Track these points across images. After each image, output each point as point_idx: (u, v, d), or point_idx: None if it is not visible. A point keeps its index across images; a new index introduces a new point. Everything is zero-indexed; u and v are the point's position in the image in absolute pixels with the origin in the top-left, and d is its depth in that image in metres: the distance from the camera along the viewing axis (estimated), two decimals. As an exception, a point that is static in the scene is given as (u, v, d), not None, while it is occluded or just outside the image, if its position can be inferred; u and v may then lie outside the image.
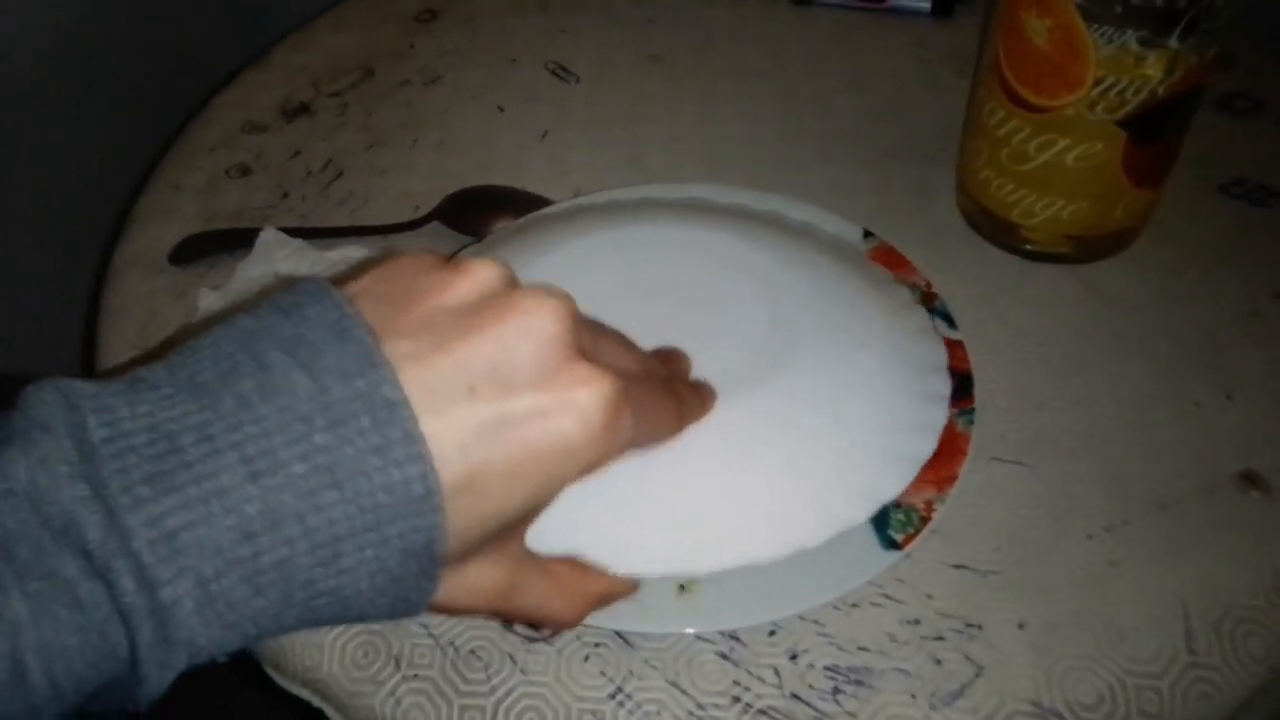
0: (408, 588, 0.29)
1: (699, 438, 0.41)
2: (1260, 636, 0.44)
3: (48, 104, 0.78)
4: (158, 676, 0.26)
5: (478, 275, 0.31)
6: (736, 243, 0.50)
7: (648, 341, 0.41)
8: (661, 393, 0.38)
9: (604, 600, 0.39)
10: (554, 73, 0.75)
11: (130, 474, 0.25)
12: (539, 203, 0.63)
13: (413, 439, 0.27)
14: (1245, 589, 0.45)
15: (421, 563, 0.28)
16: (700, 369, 0.43)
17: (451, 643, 0.45)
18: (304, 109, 0.73)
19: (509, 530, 0.32)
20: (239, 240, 0.61)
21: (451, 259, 0.32)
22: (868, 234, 0.56)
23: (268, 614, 0.27)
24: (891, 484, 0.43)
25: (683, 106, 0.71)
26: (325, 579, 0.27)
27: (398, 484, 0.27)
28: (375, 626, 0.45)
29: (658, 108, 0.71)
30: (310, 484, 0.26)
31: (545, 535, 0.35)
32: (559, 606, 0.37)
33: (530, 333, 0.30)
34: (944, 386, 0.47)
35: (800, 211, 0.57)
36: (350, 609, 0.29)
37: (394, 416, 0.27)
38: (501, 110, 0.72)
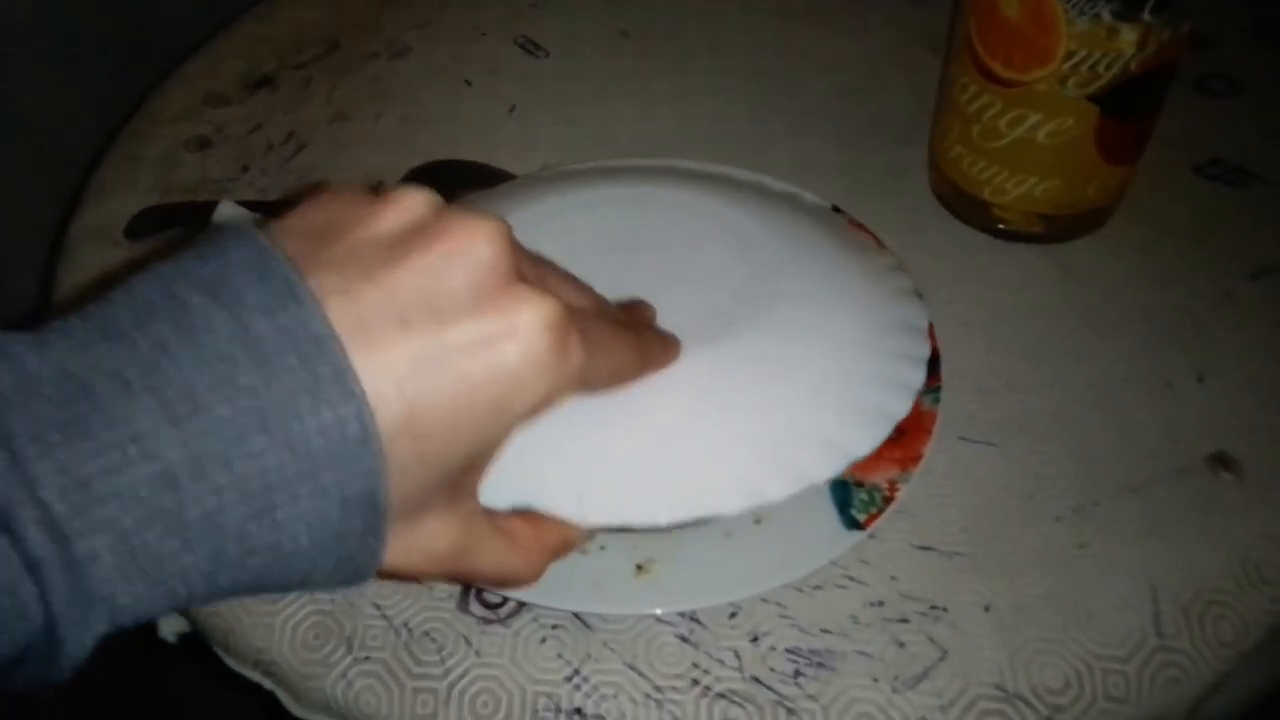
0: (352, 546, 0.27)
1: (661, 385, 0.39)
2: (1229, 620, 0.43)
3: (7, 72, 0.77)
4: (77, 638, 0.24)
5: (405, 203, 0.29)
6: (714, 202, 0.49)
7: (618, 295, 0.40)
8: (616, 329, 0.36)
9: (561, 552, 0.37)
10: (523, 47, 0.73)
11: (38, 421, 0.23)
12: (505, 178, 0.62)
13: (344, 375, 0.25)
14: (1215, 572, 0.45)
15: (365, 516, 0.27)
16: (670, 321, 0.42)
17: (405, 624, 0.44)
18: (267, 81, 0.71)
19: (459, 480, 0.30)
20: (196, 214, 0.60)
21: (378, 191, 0.31)
22: (835, 210, 0.55)
23: (199, 571, 0.25)
24: (861, 441, 0.41)
25: (653, 83, 0.70)
26: (260, 533, 0.25)
27: (331, 425, 0.25)
28: (327, 606, 0.44)
29: (628, 83, 0.70)
30: (237, 427, 0.25)
31: (498, 488, 0.33)
32: (517, 565, 0.35)
33: (463, 257, 0.28)
34: (922, 347, 0.46)
35: (776, 185, 0.56)
36: (292, 570, 0.27)
37: (322, 352, 0.25)
38: (469, 84, 0.71)
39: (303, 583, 0.28)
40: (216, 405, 0.25)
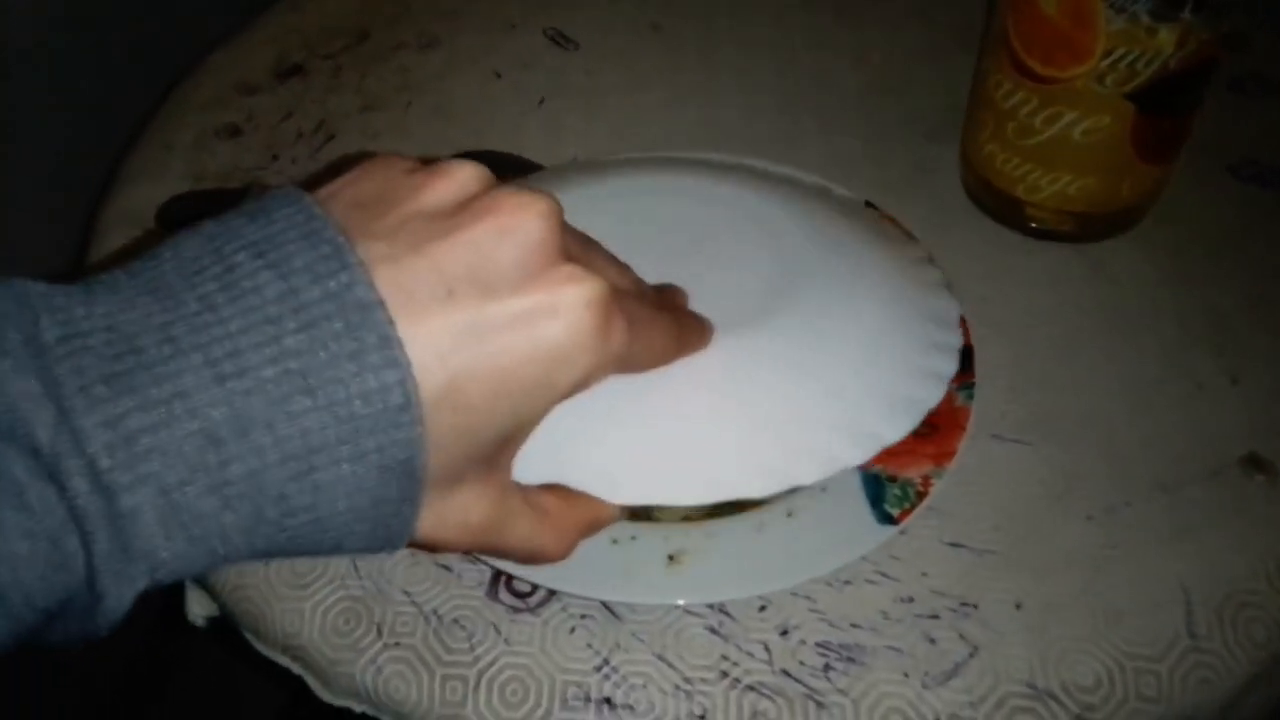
0: (388, 512, 0.27)
1: (695, 368, 0.39)
2: (1262, 622, 0.43)
3: (40, 57, 0.77)
4: (117, 592, 0.24)
5: (456, 176, 0.29)
6: (743, 192, 0.49)
7: (650, 282, 0.40)
8: (656, 311, 0.36)
9: (591, 530, 0.37)
10: (552, 39, 0.73)
11: (85, 374, 0.24)
12: (535, 169, 0.62)
13: (389, 343, 0.26)
14: (1247, 574, 0.44)
15: (402, 483, 0.27)
16: (701, 308, 0.42)
17: (435, 611, 0.44)
18: (297, 70, 0.71)
19: (495, 454, 0.30)
20: (227, 201, 0.60)
21: (428, 161, 0.31)
22: (869, 205, 0.55)
23: (238, 530, 0.25)
24: (892, 428, 0.41)
25: (683, 76, 0.70)
26: (299, 495, 0.26)
27: (374, 392, 0.25)
28: (357, 592, 0.44)
29: (657, 77, 0.70)
30: (281, 389, 0.25)
31: (531, 464, 0.33)
32: (547, 541, 0.35)
33: (512, 233, 0.28)
34: (954, 338, 0.45)
35: (806, 179, 0.56)
36: (327, 534, 0.27)
37: (368, 319, 0.26)
38: (498, 76, 0.71)
39: (336, 547, 0.28)
40: (262, 366, 0.25)
